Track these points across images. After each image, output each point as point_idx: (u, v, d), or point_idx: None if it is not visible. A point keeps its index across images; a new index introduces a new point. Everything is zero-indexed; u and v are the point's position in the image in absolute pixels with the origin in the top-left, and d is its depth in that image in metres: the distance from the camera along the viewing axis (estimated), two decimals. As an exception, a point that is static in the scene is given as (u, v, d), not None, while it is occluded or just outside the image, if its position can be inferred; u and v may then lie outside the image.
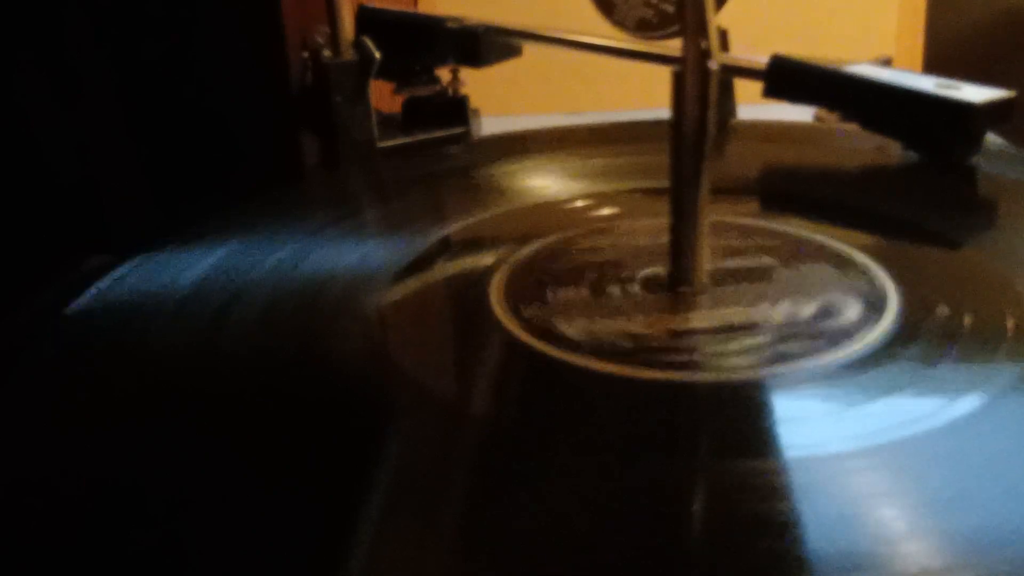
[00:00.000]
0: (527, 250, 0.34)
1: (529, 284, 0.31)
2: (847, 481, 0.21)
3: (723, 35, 0.48)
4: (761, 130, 0.49)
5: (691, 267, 0.30)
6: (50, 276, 0.34)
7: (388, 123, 0.54)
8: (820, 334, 0.27)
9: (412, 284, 0.33)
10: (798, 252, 0.33)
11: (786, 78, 0.43)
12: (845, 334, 0.27)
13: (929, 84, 0.40)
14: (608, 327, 0.28)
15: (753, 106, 0.51)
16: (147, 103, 0.46)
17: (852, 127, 0.43)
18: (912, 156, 0.42)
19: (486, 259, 0.34)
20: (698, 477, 0.22)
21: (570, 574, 0.19)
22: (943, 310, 0.28)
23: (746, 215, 0.37)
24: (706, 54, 0.28)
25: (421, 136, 0.53)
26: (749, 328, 0.28)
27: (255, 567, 0.19)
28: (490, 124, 0.57)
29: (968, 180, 0.40)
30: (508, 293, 0.31)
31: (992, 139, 0.44)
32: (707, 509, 0.21)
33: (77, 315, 0.31)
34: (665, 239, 0.30)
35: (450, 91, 0.55)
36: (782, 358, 0.26)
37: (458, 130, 0.55)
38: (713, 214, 0.30)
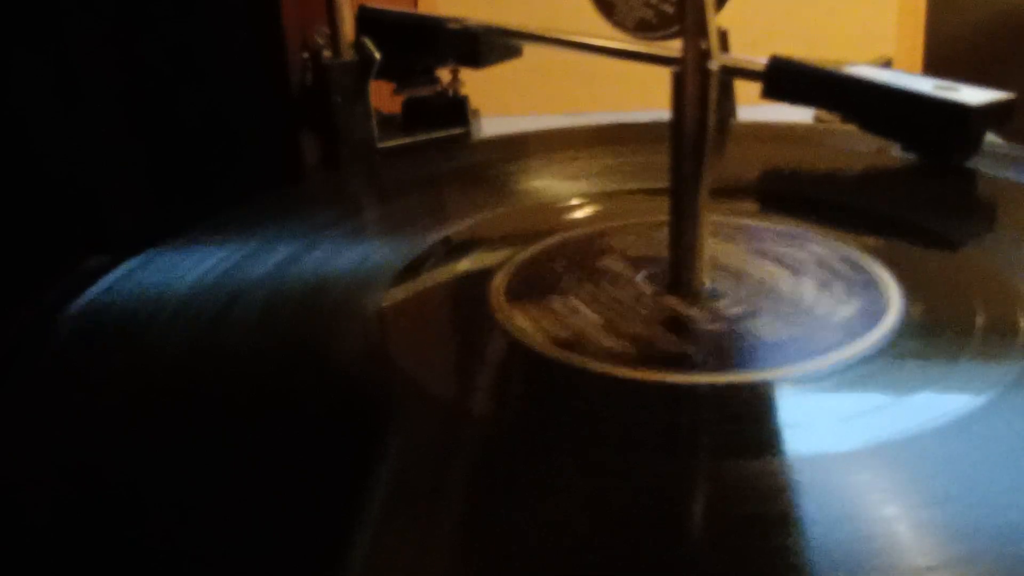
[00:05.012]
0: (527, 250, 0.34)
1: (529, 284, 0.31)
2: (847, 481, 0.21)
3: (723, 36, 0.48)
4: (761, 130, 0.49)
5: (691, 267, 0.30)
6: (50, 276, 0.34)
7: (388, 123, 0.54)
8: (820, 334, 0.27)
9: (412, 284, 0.33)
10: (798, 252, 0.33)
11: (785, 79, 0.43)
12: (845, 334, 0.27)
13: (927, 86, 0.40)
14: (608, 327, 0.28)
15: (753, 107, 0.52)
16: (147, 103, 0.46)
17: (851, 128, 0.43)
18: (911, 157, 0.42)
19: (486, 259, 0.34)
20: (699, 477, 0.22)
21: (570, 574, 0.19)
22: (943, 310, 0.28)
23: (746, 215, 0.37)
24: (706, 55, 0.28)
25: (421, 136, 0.53)
26: (749, 328, 0.28)
27: (255, 567, 0.19)
28: (490, 124, 0.57)
29: (968, 181, 0.40)
30: (508, 294, 0.31)
31: (992, 140, 0.44)
32: (707, 509, 0.21)
33: (77, 315, 0.31)
34: (665, 239, 0.30)
35: (450, 92, 0.55)
36: (782, 358, 0.26)
37: (458, 130, 0.55)
38: (713, 214, 0.30)
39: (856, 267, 0.31)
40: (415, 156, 0.50)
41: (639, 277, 0.31)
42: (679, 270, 0.30)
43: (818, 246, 0.33)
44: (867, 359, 0.26)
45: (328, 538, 0.20)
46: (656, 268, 0.32)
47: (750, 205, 0.39)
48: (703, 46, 0.28)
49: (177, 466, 0.23)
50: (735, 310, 0.29)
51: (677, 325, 0.28)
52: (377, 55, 0.49)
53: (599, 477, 0.22)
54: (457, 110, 0.55)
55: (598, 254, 0.34)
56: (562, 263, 0.33)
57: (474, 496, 0.22)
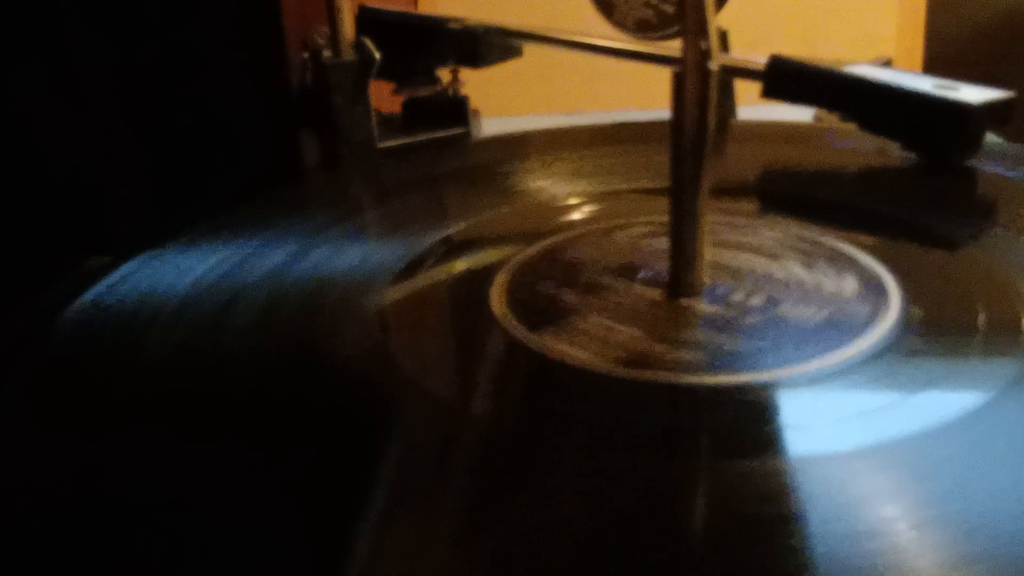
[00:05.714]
0: (527, 250, 0.34)
1: (529, 285, 0.31)
2: (848, 481, 0.21)
3: (723, 36, 0.48)
4: (761, 130, 0.49)
5: (691, 267, 0.30)
6: (50, 276, 0.34)
7: (388, 123, 0.54)
8: (821, 334, 0.27)
9: (412, 284, 0.33)
10: (798, 252, 0.33)
11: (785, 79, 0.43)
12: (845, 334, 0.27)
13: (927, 85, 0.40)
14: (607, 327, 0.28)
15: (753, 106, 0.52)
16: (147, 103, 0.46)
17: (850, 128, 0.43)
18: (911, 157, 0.42)
19: (486, 259, 0.34)
20: (699, 477, 0.22)
21: (570, 574, 0.19)
22: (943, 310, 0.28)
23: (746, 215, 0.37)
24: (706, 55, 0.28)
25: (421, 136, 0.53)
26: (748, 328, 0.28)
27: (256, 567, 0.19)
28: (490, 125, 0.57)
29: (968, 180, 0.40)
30: (508, 293, 0.31)
31: (992, 139, 0.44)
32: (707, 509, 0.21)
33: (77, 316, 0.31)
34: (665, 239, 0.30)
35: (450, 92, 0.55)
36: (782, 358, 0.26)
37: (458, 131, 0.55)
38: (713, 214, 0.30)
39: (856, 267, 0.31)
40: (415, 156, 0.50)
41: (639, 277, 0.31)
42: (679, 270, 0.30)
43: (818, 245, 0.33)
44: (867, 359, 0.26)
45: (328, 538, 0.20)
46: (656, 268, 0.32)
47: (750, 205, 0.39)
48: (703, 46, 0.28)
49: (177, 467, 0.23)
50: (733, 311, 0.29)
51: (675, 325, 0.28)
52: (377, 55, 0.49)
53: (599, 477, 0.22)
54: (457, 110, 0.55)
55: (598, 254, 0.34)
56: (562, 263, 0.33)
57: (474, 496, 0.22)
